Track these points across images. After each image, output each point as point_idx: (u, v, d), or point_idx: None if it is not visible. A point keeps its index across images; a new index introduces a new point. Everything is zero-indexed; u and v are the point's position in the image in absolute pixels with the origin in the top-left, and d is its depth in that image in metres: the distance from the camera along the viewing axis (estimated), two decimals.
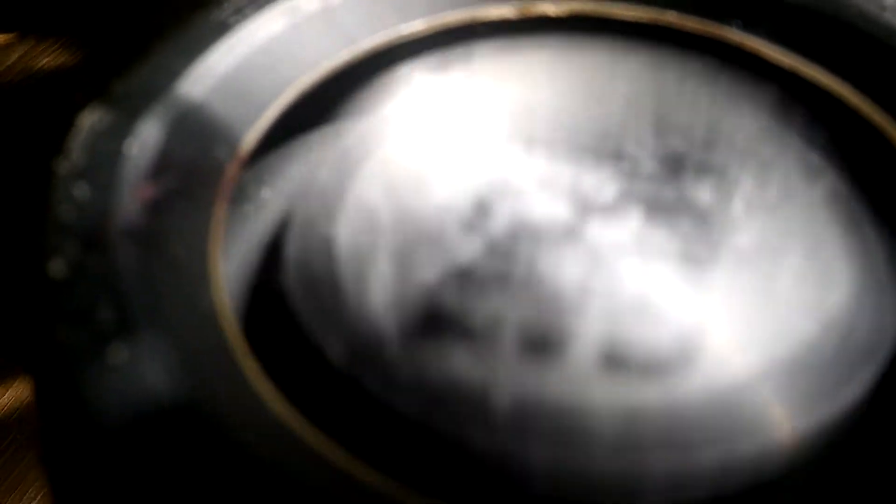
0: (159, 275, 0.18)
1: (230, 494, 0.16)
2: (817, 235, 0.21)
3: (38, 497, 0.36)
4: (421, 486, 0.17)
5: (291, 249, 0.20)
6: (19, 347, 0.40)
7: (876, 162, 0.22)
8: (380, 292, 0.19)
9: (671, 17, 0.24)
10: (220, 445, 0.16)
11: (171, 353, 0.17)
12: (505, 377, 0.18)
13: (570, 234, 0.20)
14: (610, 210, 0.21)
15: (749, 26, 0.24)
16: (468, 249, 0.20)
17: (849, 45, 0.23)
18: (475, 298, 0.19)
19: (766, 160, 0.22)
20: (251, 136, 0.21)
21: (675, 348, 0.19)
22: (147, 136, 0.20)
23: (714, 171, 0.21)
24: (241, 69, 0.22)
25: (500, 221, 0.20)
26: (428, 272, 0.20)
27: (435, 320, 0.19)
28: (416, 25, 0.24)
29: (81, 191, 0.19)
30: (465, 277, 0.20)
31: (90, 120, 0.20)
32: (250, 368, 0.18)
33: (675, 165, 0.21)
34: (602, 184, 0.21)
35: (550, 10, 0.24)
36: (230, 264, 0.21)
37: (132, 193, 0.19)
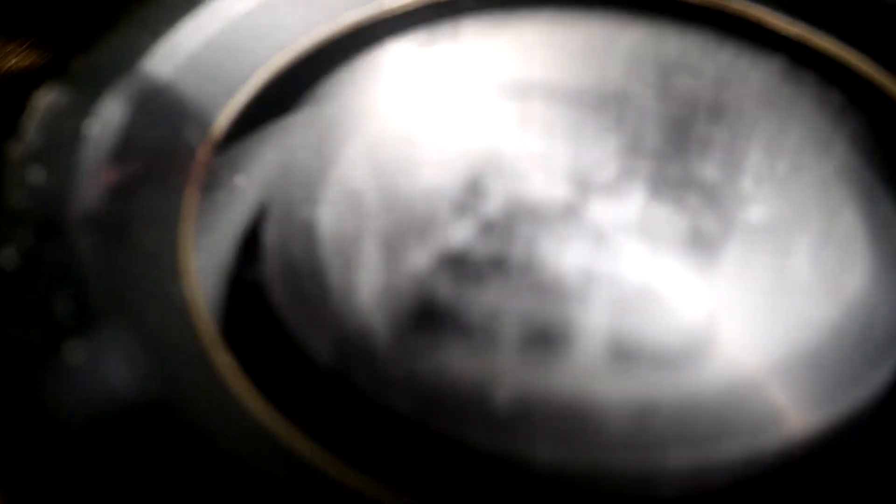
0: (123, 266, 0.17)
1: (203, 499, 0.14)
2: (831, 212, 0.19)
3: None
4: (411, 488, 0.15)
5: (270, 237, 0.19)
6: None
7: (889, 131, 0.21)
8: (365, 283, 0.18)
9: None
10: (190, 449, 0.15)
11: (136, 351, 0.16)
12: (505, 373, 0.16)
13: (570, 214, 0.19)
14: (612, 188, 0.19)
15: None
16: (461, 233, 0.18)
17: (856, 11, 0.22)
18: (470, 288, 0.18)
19: (775, 133, 0.20)
20: (224, 118, 0.20)
21: (686, 340, 0.17)
22: (109, 117, 0.18)
23: (720, 145, 0.20)
24: (212, 46, 0.20)
25: (495, 202, 0.19)
26: (418, 258, 0.18)
27: (426, 312, 0.17)
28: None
29: (36, 175, 0.17)
30: (458, 265, 0.18)
31: (46, 99, 0.18)
32: (225, 366, 0.16)
33: (679, 140, 0.20)
34: (603, 161, 0.20)
35: None
36: (203, 254, 0.19)
37: (92, 178, 0.17)
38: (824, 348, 0.18)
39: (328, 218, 0.19)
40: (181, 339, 0.16)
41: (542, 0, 0.23)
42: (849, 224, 0.19)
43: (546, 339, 0.17)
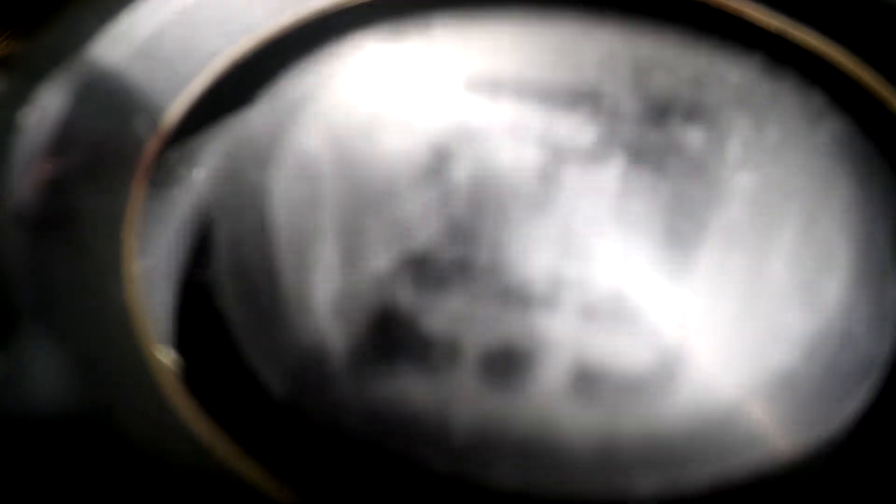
0: (58, 267, 0.16)
1: None
2: (811, 214, 0.18)
3: None
4: None
5: (221, 236, 0.18)
6: None
7: (871, 126, 0.19)
8: (321, 285, 0.17)
9: None
10: (124, 468, 0.14)
11: (67, 360, 0.14)
12: (464, 395, 0.15)
13: (539, 210, 0.18)
14: (584, 181, 0.18)
15: None
16: (424, 235, 0.17)
17: (839, 4, 0.21)
18: (431, 293, 0.17)
19: (750, 134, 0.19)
20: (176, 109, 0.19)
21: (655, 359, 0.16)
22: (48, 106, 0.17)
23: (693, 150, 0.19)
24: (165, 32, 0.19)
25: (460, 200, 0.18)
26: (378, 259, 0.17)
27: (384, 321, 0.16)
28: None
29: None
30: (420, 267, 0.17)
31: None
32: (166, 380, 0.15)
33: (653, 138, 0.19)
34: (576, 152, 0.19)
35: None
36: (150, 254, 0.18)
37: (27, 171, 0.16)
38: (801, 367, 0.17)
39: (283, 214, 0.18)
40: (117, 347, 0.15)
41: None
42: (830, 227, 0.18)
43: (508, 356, 0.16)
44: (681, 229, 0.18)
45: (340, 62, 0.20)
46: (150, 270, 0.18)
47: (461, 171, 0.18)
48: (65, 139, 0.17)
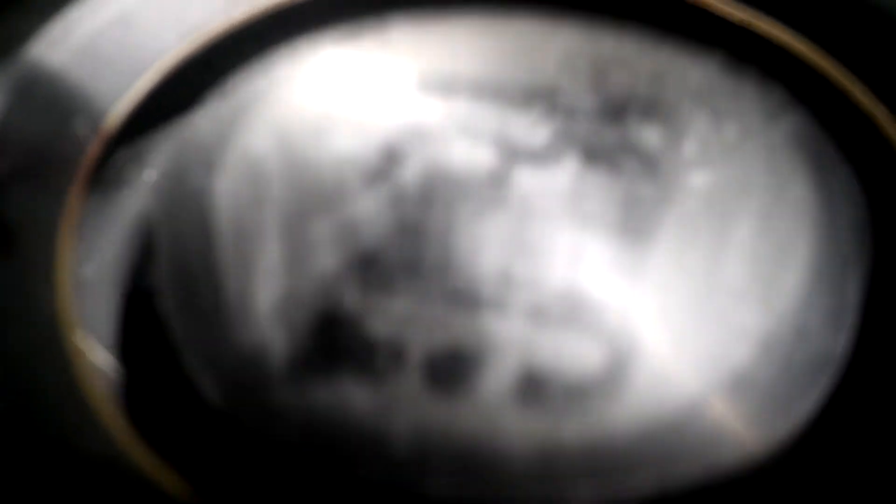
0: None
1: None
2: (769, 210, 0.18)
3: None
4: None
5: (163, 239, 0.17)
6: None
7: (832, 120, 0.19)
8: (264, 293, 0.16)
9: None
10: (41, 465, 0.13)
11: None
12: (404, 405, 0.15)
13: (491, 209, 0.17)
14: (538, 179, 0.18)
15: None
16: (373, 236, 0.17)
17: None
18: (377, 294, 0.16)
19: (708, 131, 0.19)
20: (119, 111, 0.18)
21: (606, 362, 0.16)
22: None
23: (649, 148, 0.18)
24: (109, 32, 0.19)
25: (410, 200, 0.17)
26: (323, 266, 0.16)
27: (327, 331, 0.16)
28: None
29: None
30: (368, 271, 0.16)
31: None
32: (93, 385, 0.14)
33: (609, 136, 0.18)
34: (530, 151, 0.18)
35: None
36: (91, 260, 0.17)
37: None
38: (757, 364, 0.16)
39: (229, 218, 0.17)
40: (44, 351, 0.15)
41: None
42: (786, 225, 0.18)
43: (453, 361, 0.16)
44: (635, 228, 0.17)
45: (294, 63, 0.20)
46: (91, 275, 0.17)
47: (412, 171, 0.18)
48: (0, 141, 0.17)
